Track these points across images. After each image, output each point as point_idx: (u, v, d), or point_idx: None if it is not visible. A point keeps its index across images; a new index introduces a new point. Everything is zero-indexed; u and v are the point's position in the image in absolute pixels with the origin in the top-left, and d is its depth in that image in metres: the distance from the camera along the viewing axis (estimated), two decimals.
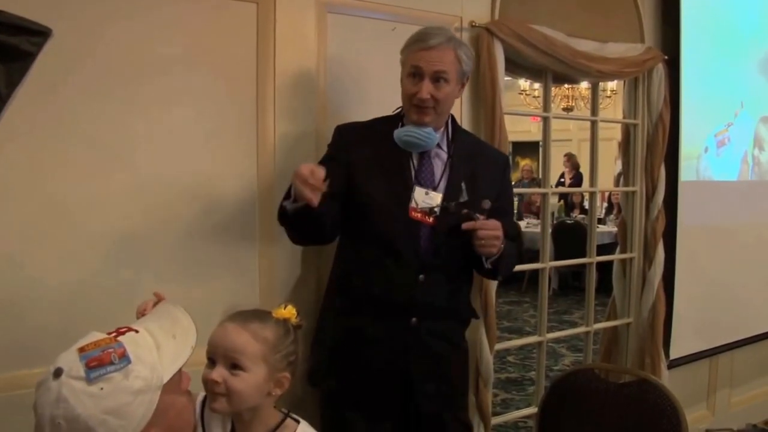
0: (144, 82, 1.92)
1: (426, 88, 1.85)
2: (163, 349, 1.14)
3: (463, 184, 1.88)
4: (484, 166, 2.01)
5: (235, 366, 1.30)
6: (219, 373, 1.29)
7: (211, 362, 1.32)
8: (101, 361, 1.05)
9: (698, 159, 3.39)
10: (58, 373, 1.05)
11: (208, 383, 1.30)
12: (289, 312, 1.40)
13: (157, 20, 1.94)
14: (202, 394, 1.37)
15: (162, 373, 1.11)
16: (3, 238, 1.76)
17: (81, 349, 1.07)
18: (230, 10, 2.06)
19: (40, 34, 1.70)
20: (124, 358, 1.07)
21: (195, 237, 2.03)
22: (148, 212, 1.95)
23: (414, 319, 1.90)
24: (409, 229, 1.89)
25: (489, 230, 1.81)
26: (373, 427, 1.93)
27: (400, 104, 1.99)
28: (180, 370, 1.17)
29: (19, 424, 1.72)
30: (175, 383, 1.15)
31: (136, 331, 1.16)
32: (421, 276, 1.90)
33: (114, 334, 1.12)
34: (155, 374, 1.10)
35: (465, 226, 1.81)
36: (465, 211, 1.82)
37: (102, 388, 1.04)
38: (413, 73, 1.88)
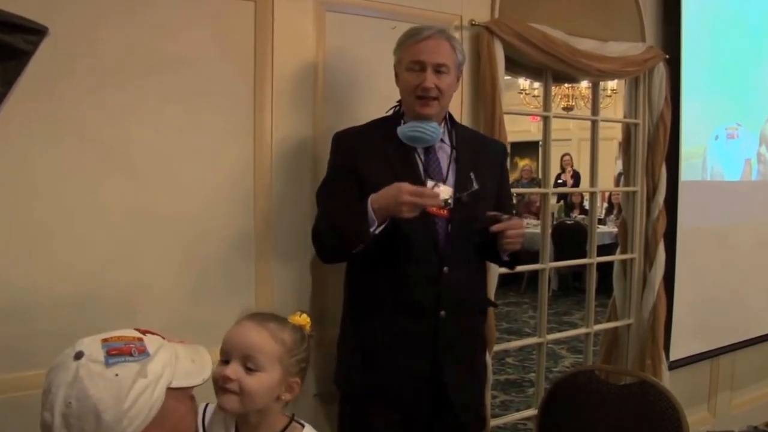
0: (140, 82, 1.91)
1: (430, 78, 1.87)
2: (180, 361, 1.17)
3: (472, 174, 1.89)
4: (485, 156, 2.04)
5: (250, 365, 1.30)
6: (234, 369, 1.28)
7: (224, 362, 1.31)
8: (121, 351, 1.09)
9: (705, 150, 3.39)
10: (78, 355, 1.07)
11: (220, 379, 1.28)
12: (304, 320, 1.41)
13: (153, 19, 1.92)
14: (203, 404, 1.36)
15: (172, 376, 1.13)
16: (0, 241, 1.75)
17: (105, 340, 1.11)
18: (228, 9, 2.05)
19: (36, 32, 1.69)
20: (144, 353, 1.11)
21: (191, 244, 2.01)
22: (144, 215, 1.93)
23: (443, 312, 1.91)
24: (426, 224, 1.89)
25: (516, 229, 1.88)
26: (399, 423, 1.93)
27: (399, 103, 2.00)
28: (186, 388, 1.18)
29: (17, 425, 1.72)
30: (182, 392, 1.16)
31: (163, 338, 1.19)
32: (446, 268, 1.91)
33: (141, 332, 1.16)
34: (167, 372, 1.12)
35: (495, 228, 1.86)
36: (491, 213, 1.88)
37: (117, 374, 1.06)
38: (413, 68, 1.89)
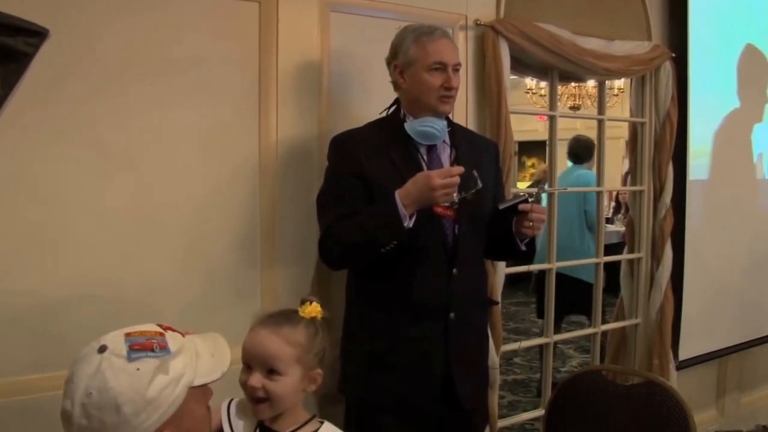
0: (144, 83, 1.90)
1: (455, 78, 1.90)
2: (201, 359, 1.19)
3: (475, 172, 1.85)
4: (482, 155, 2.05)
5: (272, 371, 1.34)
6: (257, 379, 1.34)
7: (247, 367, 1.36)
8: (143, 347, 1.12)
9: None
10: (102, 349, 1.10)
11: (247, 389, 1.34)
12: (314, 309, 1.43)
13: (157, 19, 1.92)
14: (227, 400, 1.41)
15: (194, 375, 1.15)
16: (2, 243, 1.74)
17: (128, 334, 1.14)
18: (232, 10, 2.05)
19: (37, 34, 1.68)
20: (165, 349, 1.13)
21: (196, 247, 2.01)
22: (149, 219, 1.93)
23: (452, 314, 1.91)
24: (434, 225, 1.88)
25: (540, 213, 1.90)
26: (410, 427, 1.92)
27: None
28: (206, 385, 1.20)
29: (19, 428, 1.72)
30: (201, 394, 1.19)
31: (182, 335, 1.21)
32: (455, 270, 1.90)
33: (162, 328, 1.19)
34: (188, 372, 1.14)
35: (522, 207, 1.88)
36: (521, 193, 1.91)
37: (138, 369, 1.09)
38: (437, 68, 1.89)
